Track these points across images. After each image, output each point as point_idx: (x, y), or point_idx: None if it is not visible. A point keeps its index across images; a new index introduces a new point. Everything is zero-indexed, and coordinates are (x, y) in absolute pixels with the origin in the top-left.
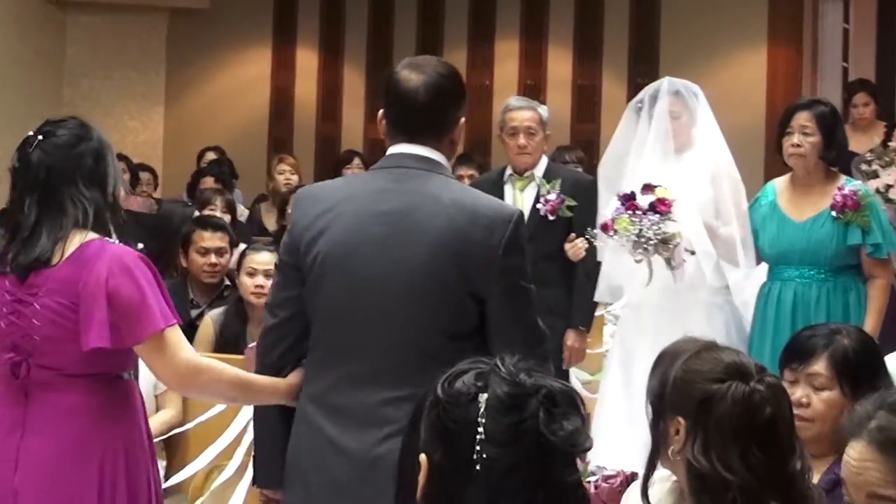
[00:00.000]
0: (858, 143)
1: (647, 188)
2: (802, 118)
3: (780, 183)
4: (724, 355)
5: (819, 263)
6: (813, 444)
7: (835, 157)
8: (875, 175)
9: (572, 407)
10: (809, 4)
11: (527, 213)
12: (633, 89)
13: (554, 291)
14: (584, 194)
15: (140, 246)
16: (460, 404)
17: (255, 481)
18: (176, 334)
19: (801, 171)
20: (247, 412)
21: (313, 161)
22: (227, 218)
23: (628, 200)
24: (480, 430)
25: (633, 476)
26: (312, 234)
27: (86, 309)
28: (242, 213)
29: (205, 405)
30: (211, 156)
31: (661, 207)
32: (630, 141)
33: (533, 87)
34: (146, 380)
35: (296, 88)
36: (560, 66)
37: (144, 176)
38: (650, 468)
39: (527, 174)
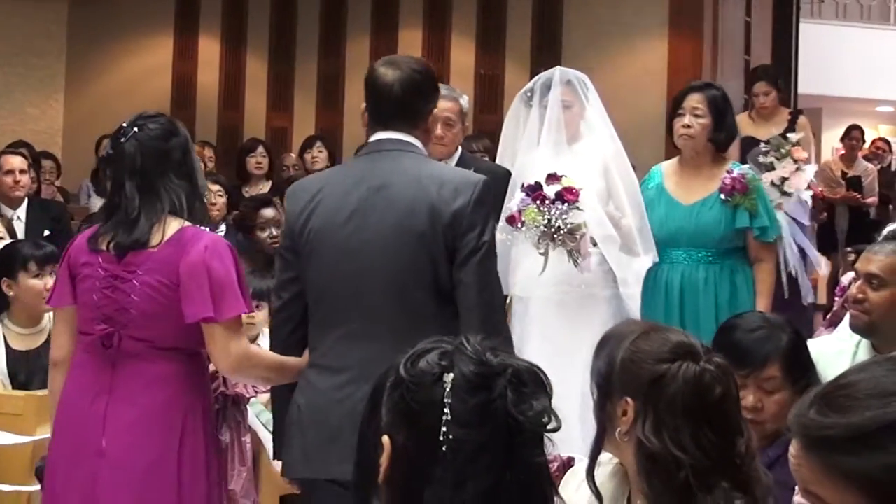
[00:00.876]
0: (764, 131)
1: (552, 178)
2: (694, 100)
3: (666, 166)
4: (672, 335)
5: (707, 246)
6: (763, 439)
7: (723, 139)
8: (771, 167)
9: (539, 386)
10: None
11: None
12: None
13: None
14: (498, 186)
15: (46, 233)
16: (424, 384)
17: (275, 456)
18: (242, 323)
19: (690, 151)
20: None
21: (215, 149)
22: None
23: (535, 191)
24: (446, 410)
25: (570, 460)
26: (304, 217)
27: (189, 285)
28: None
29: None
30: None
31: (568, 196)
32: (518, 132)
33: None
34: None
35: (198, 77)
36: (463, 55)
37: (47, 164)
38: (596, 450)
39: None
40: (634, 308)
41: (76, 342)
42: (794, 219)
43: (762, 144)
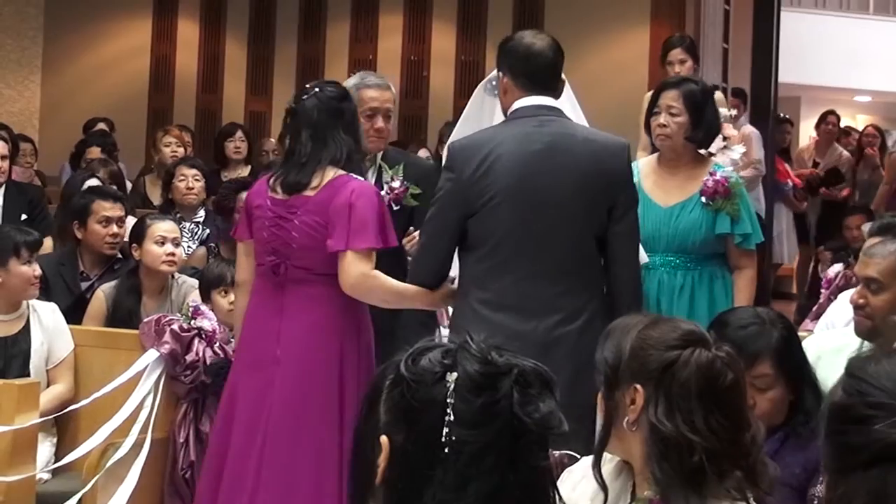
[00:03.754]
0: None
1: None
2: (669, 97)
3: (644, 164)
4: (681, 324)
5: (685, 251)
6: None
7: (702, 138)
8: None
9: (545, 388)
10: None
11: None
12: None
13: None
14: (426, 182)
15: (23, 217)
16: (426, 383)
17: None
18: (373, 255)
19: (669, 152)
20: (142, 389)
21: (193, 133)
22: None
23: None
24: (449, 410)
25: (563, 458)
26: (481, 172)
27: (334, 223)
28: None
29: (98, 381)
30: (102, 127)
31: None
32: (479, 123)
33: (416, 63)
34: (37, 354)
35: (176, 59)
36: (444, 41)
37: (26, 147)
38: (603, 441)
39: (367, 157)
40: None
41: (255, 271)
42: None
43: None
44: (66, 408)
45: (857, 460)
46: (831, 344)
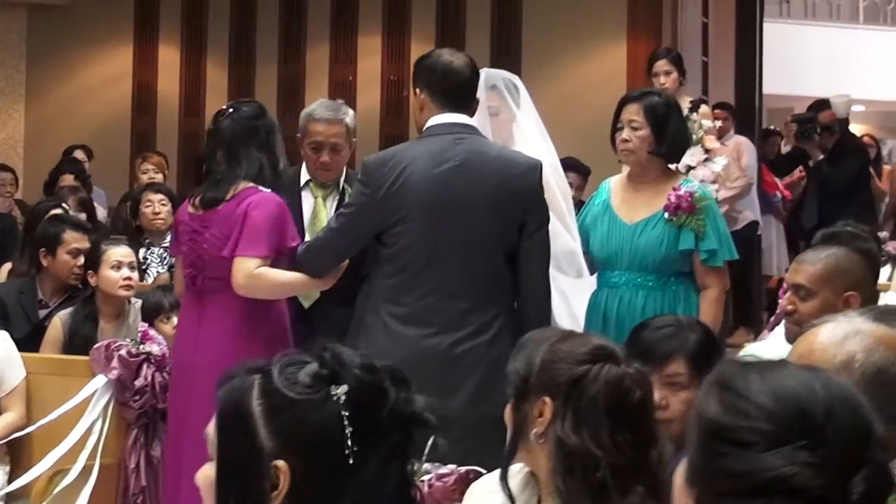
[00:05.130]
0: None
1: None
2: (631, 111)
3: (615, 181)
4: (593, 339)
5: (647, 269)
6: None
7: (667, 151)
8: None
9: (408, 382)
10: None
11: None
12: None
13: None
14: None
15: None
16: (314, 401)
17: None
18: (262, 261)
19: (634, 167)
20: (91, 415)
21: (177, 156)
22: (82, 216)
23: None
24: (346, 423)
25: (468, 473)
26: (392, 193)
27: (231, 232)
28: (102, 212)
29: (51, 408)
30: (80, 154)
31: None
32: None
33: (396, 82)
34: None
35: (158, 84)
36: None
37: (6, 176)
38: (511, 453)
39: (329, 183)
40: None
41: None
42: None
43: None
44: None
45: (738, 487)
46: (769, 353)
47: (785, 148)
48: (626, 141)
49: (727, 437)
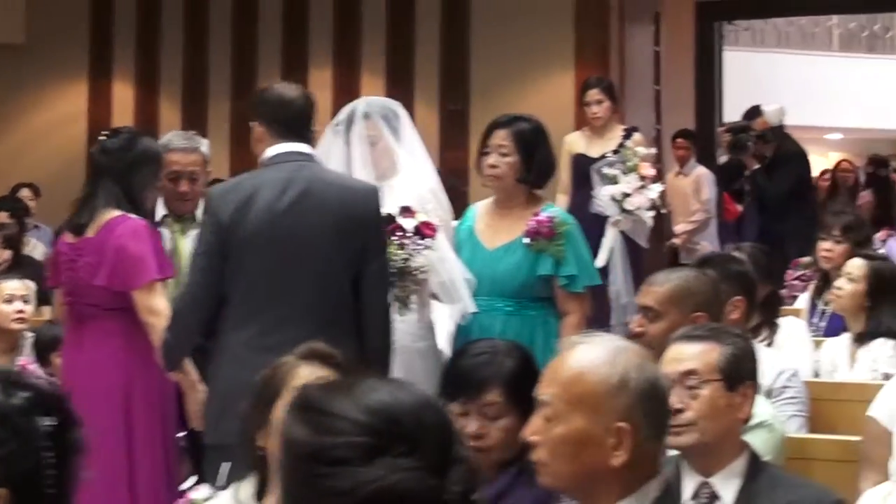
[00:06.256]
0: (597, 148)
1: (407, 210)
2: (499, 136)
3: (480, 206)
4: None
5: (506, 294)
6: (490, 469)
7: (535, 178)
8: (614, 181)
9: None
10: (616, 28)
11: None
12: (446, 116)
13: None
14: None
15: None
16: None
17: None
18: (160, 285)
19: (500, 193)
20: None
21: None
22: (6, 253)
23: (389, 223)
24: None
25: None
26: (239, 216)
27: (104, 262)
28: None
29: None
30: (26, 192)
31: (426, 231)
32: (332, 165)
33: None
34: None
35: (113, 122)
36: (373, 93)
37: None
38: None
39: (187, 216)
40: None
41: None
42: (629, 240)
43: (609, 154)
44: None
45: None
46: None
47: (720, 159)
48: (494, 167)
49: (324, 457)
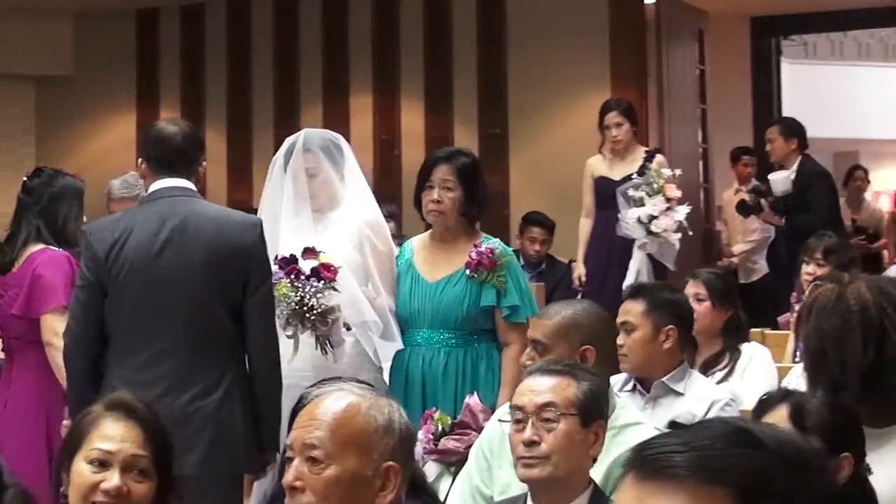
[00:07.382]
0: (619, 170)
1: (309, 252)
2: (443, 171)
3: (417, 241)
4: None
5: (449, 326)
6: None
7: (476, 212)
8: (641, 203)
9: None
10: (653, 48)
11: None
12: (485, 139)
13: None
14: None
15: None
16: None
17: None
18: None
19: (441, 227)
20: None
21: None
22: None
23: (289, 264)
24: None
25: None
26: (115, 252)
27: (20, 291)
28: None
29: None
30: None
31: (325, 274)
32: (277, 199)
33: (388, 141)
34: None
35: None
36: (412, 118)
37: None
38: None
39: None
40: None
41: None
42: (657, 263)
43: (634, 177)
44: None
45: None
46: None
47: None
48: (438, 202)
49: None
